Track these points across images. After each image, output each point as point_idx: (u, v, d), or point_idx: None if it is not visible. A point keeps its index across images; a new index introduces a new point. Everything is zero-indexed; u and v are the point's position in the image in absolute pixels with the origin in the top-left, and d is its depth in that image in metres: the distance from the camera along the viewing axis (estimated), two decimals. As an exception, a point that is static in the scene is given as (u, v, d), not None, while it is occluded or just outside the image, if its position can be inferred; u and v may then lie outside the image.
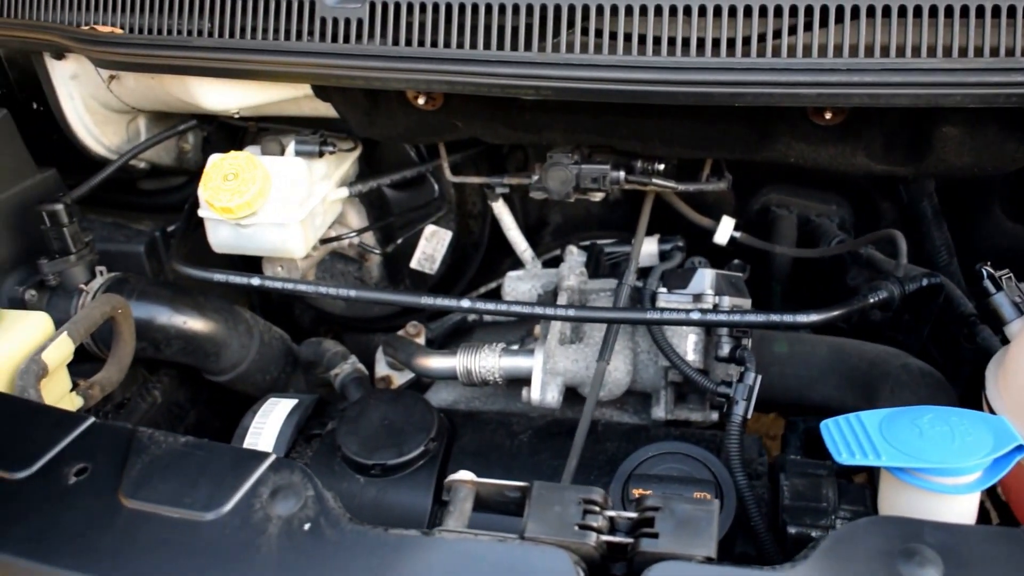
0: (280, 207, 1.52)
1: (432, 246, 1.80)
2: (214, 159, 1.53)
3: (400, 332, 1.75)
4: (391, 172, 1.73)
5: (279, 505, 1.05)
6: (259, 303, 2.00)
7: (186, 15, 1.51)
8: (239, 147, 1.85)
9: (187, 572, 1.01)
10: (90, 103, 1.72)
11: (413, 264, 1.83)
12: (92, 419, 1.17)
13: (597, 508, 1.02)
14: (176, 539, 1.04)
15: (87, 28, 1.54)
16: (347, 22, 1.43)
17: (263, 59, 1.44)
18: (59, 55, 1.65)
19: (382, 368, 1.74)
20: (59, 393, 1.43)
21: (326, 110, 1.58)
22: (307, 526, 1.03)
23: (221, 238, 1.56)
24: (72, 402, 1.45)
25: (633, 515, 1.02)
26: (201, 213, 1.55)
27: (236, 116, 1.59)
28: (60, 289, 1.63)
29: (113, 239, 1.76)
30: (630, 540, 1.01)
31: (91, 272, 1.65)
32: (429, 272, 1.83)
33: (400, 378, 1.73)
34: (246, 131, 1.85)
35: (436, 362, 1.59)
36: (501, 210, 1.66)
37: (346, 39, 1.42)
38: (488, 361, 1.55)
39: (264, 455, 1.10)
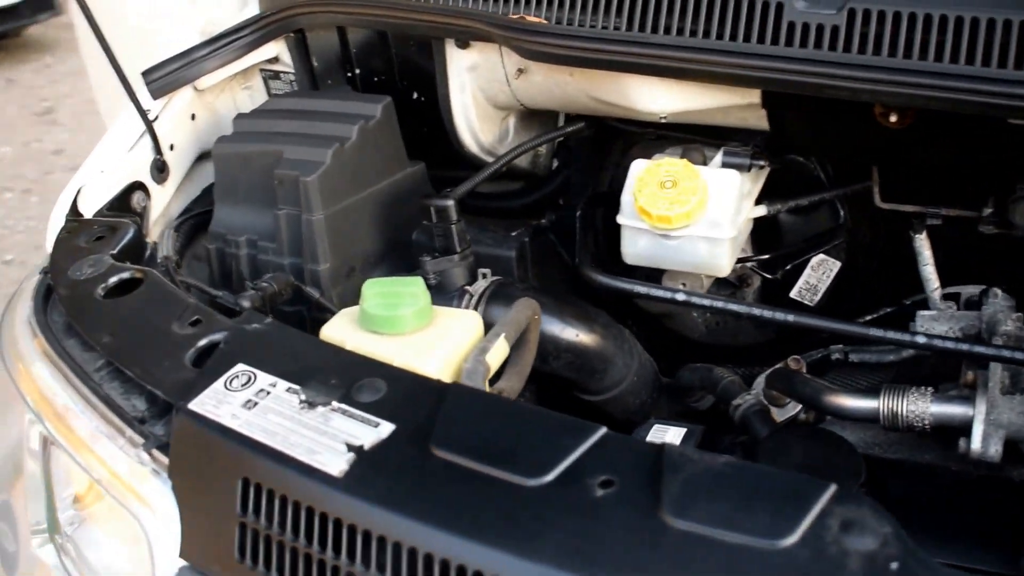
0: (715, 221, 1.49)
1: (818, 276, 1.76)
2: (644, 165, 1.52)
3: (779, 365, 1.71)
4: (789, 192, 1.70)
5: (854, 540, 1.01)
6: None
7: (628, 14, 1.50)
8: (606, 155, 1.85)
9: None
10: (478, 96, 1.73)
11: (793, 294, 1.79)
12: (604, 429, 1.15)
13: None
14: (740, 566, 1.01)
15: (516, 17, 1.54)
16: (819, 28, 1.40)
17: (724, 61, 1.43)
18: (464, 44, 1.65)
19: (760, 402, 1.70)
20: (479, 398, 1.42)
21: (756, 121, 1.56)
22: (894, 565, 0.99)
23: (639, 248, 1.54)
24: (484, 408, 1.43)
25: None
26: (622, 220, 1.54)
27: (662, 120, 1.57)
28: (438, 289, 1.62)
29: (481, 241, 1.76)
30: None
31: (471, 274, 1.64)
32: (809, 303, 1.80)
33: (779, 415, 1.68)
34: (618, 137, 1.83)
35: (853, 402, 1.54)
36: (923, 243, 1.61)
37: (817, 46, 1.40)
38: (918, 405, 1.50)
39: (824, 485, 1.06)
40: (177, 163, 1.80)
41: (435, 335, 1.38)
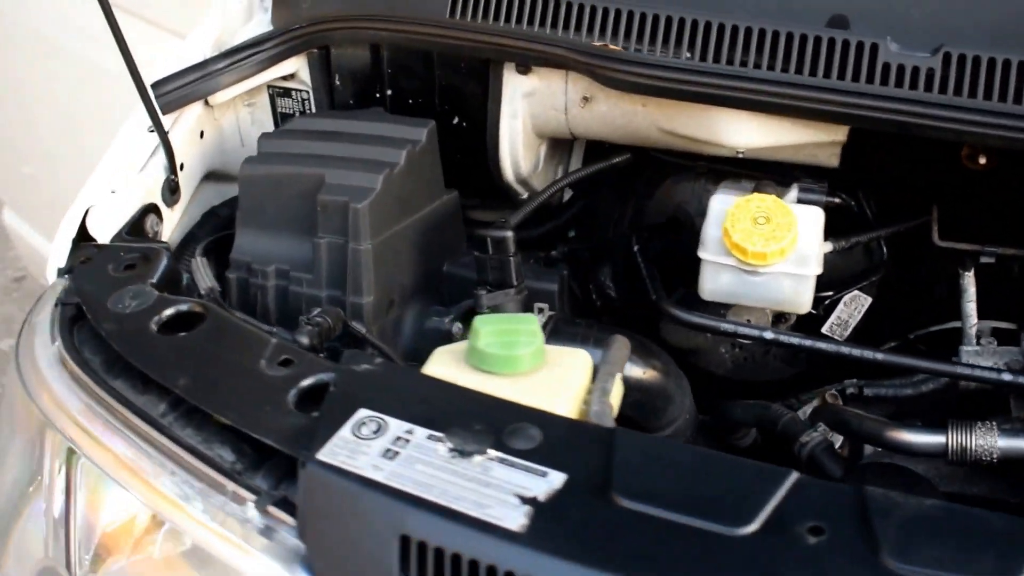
0: (803, 258, 1.49)
1: (849, 312, 1.79)
2: (731, 200, 1.50)
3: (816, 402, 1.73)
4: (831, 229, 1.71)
5: (1071, 581, 1.02)
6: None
7: (715, 51, 1.49)
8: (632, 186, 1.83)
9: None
10: (527, 124, 1.67)
11: (825, 329, 1.81)
12: (795, 473, 1.11)
13: None
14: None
15: (600, 44, 1.50)
16: (914, 70, 1.43)
17: (823, 97, 1.44)
18: (525, 69, 1.59)
19: (802, 438, 1.70)
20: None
21: (826, 158, 1.58)
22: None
23: (720, 285, 1.52)
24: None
25: None
26: (704, 255, 1.51)
27: (739, 155, 1.56)
28: (492, 325, 1.55)
29: None
30: None
31: (526, 309, 1.58)
32: (839, 339, 1.82)
33: (822, 450, 1.69)
34: (646, 168, 1.81)
35: (919, 437, 1.56)
36: (970, 281, 1.66)
37: (912, 87, 1.43)
38: (987, 439, 1.54)
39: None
40: (186, 184, 1.65)
41: (554, 375, 1.31)
